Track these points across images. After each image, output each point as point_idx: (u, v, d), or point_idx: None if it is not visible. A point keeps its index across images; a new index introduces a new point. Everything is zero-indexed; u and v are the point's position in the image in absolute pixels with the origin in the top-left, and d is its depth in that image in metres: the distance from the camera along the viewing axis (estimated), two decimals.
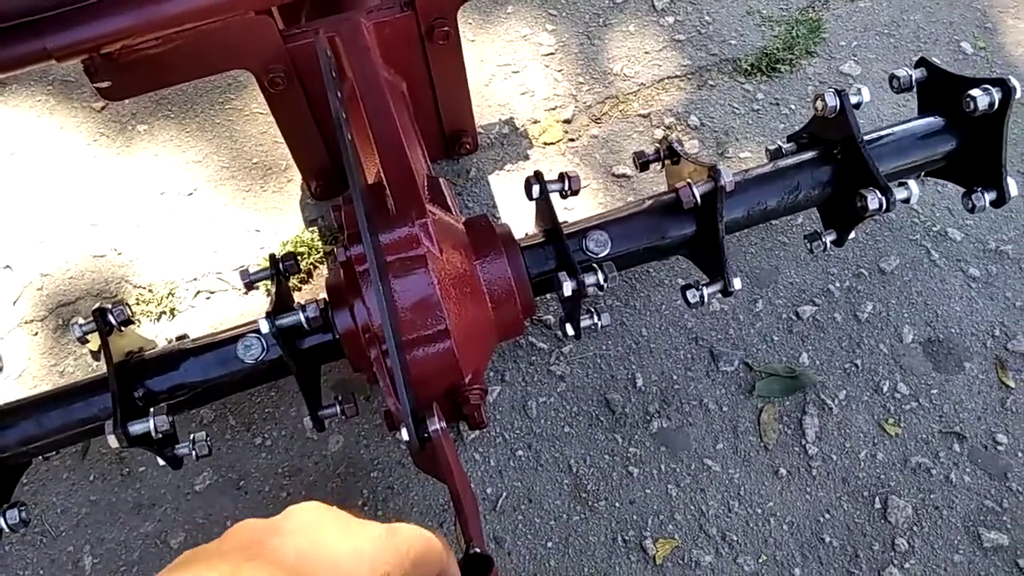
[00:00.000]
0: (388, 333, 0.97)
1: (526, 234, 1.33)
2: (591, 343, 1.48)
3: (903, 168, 1.34)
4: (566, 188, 1.26)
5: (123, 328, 1.19)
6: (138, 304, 1.55)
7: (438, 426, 0.97)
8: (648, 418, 1.41)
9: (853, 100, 1.28)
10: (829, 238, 1.33)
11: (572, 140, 1.73)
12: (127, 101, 1.81)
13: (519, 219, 1.58)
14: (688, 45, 1.85)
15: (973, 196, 1.31)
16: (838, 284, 1.52)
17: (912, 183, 1.26)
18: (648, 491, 1.35)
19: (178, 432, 1.17)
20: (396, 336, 0.97)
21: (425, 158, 1.42)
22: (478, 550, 0.94)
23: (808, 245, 1.34)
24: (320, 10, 1.41)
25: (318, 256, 1.59)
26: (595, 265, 1.18)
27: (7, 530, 1.12)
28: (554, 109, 1.77)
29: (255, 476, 1.39)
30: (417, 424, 0.98)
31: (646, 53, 1.84)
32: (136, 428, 1.09)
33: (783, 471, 1.35)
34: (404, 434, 0.98)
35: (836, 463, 1.36)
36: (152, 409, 1.11)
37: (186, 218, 1.66)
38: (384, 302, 0.97)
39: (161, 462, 1.15)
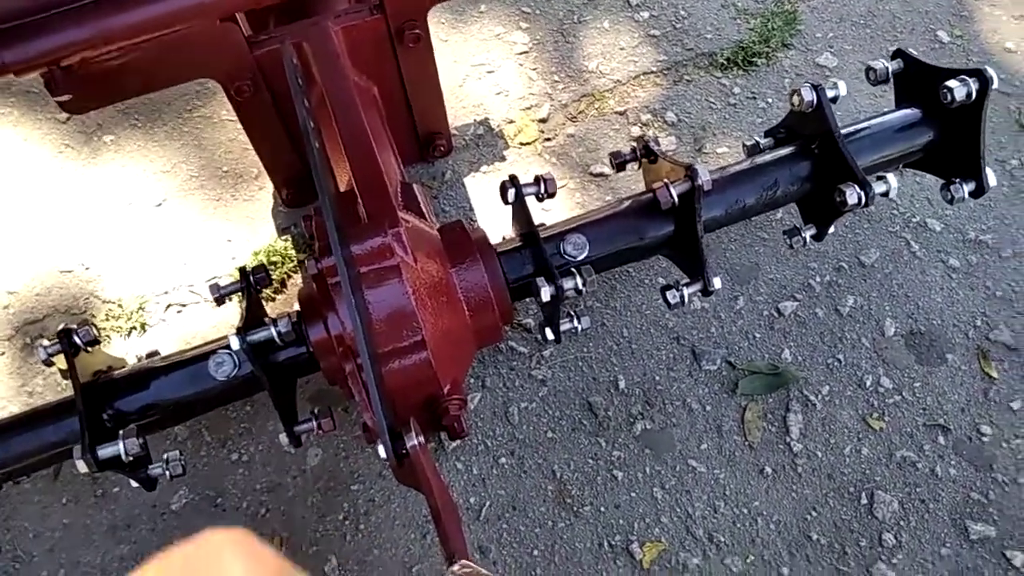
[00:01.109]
0: (362, 347, 0.94)
1: (503, 238, 1.31)
2: (572, 346, 1.46)
3: (881, 161, 1.33)
4: (542, 191, 1.24)
5: (89, 348, 1.15)
6: (107, 320, 1.52)
7: (415, 441, 0.95)
8: (631, 420, 1.39)
9: (830, 94, 1.27)
10: (808, 233, 1.31)
11: (548, 140, 1.70)
12: (92, 113, 1.76)
13: (497, 221, 1.55)
14: (663, 40, 1.83)
15: (952, 187, 1.30)
16: (819, 279, 1.51)
17: (890, 176, 1.25)
18: (633, 495, 1.33)
19: (151, 451, 1.14)
20: (371, 350, 0.94)
21: (398, 163, 1.39)
22: (461, 564, 0.92)
23: (788, 240, 1.32)
24: (288, 15, 1.38)
25: (291, 265, 1.56)
26: (573, 269, 1.16)
27: None
28: (529, 108, 1.74)
29: (233, 493, 1.36)
30: (394, 440, 0.96)
31: (621, 49, 1.82)
32: (106, 452, 1.06)
33: (768, 469, 1.34)
34: (381, 451, 0.96)
35: (821, 460, 1.35)
36: (121, 432, 1.08)
37: (155, 229, 1.62)
38: (357, 315, 0.94)
39: (135, 484, 1.12)
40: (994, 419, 1.37)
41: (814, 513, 1.31)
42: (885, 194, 1.24)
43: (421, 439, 0.96)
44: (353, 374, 1.06)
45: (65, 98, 1.21)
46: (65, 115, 1.77)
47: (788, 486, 1.33)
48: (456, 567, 0.84)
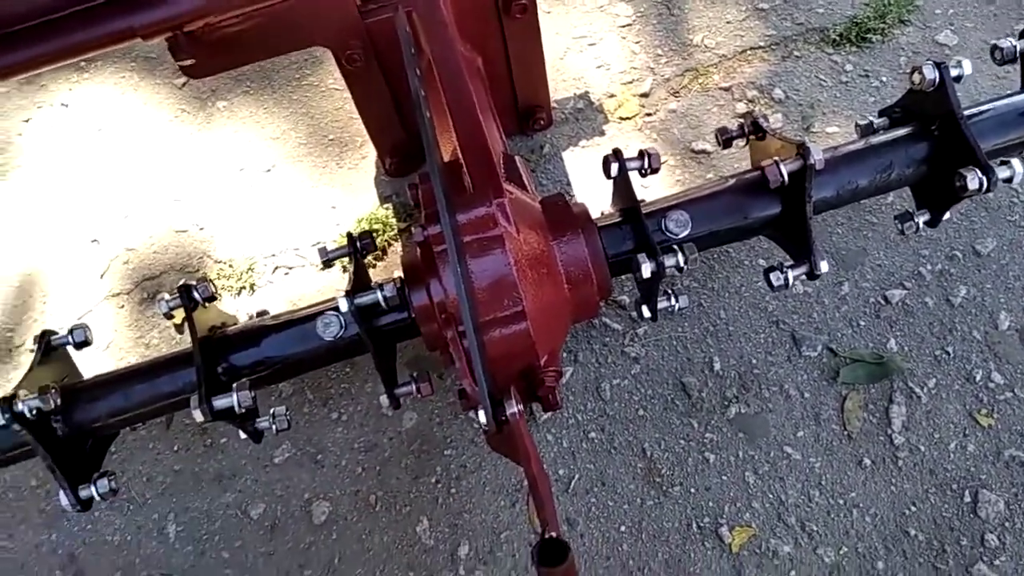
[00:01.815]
0: (465, 315, 0.96)
1: (602, 213, 1.30)
2: (667, 325, 1.45)
3: (1005, 145, 1.26)
4: (645, 166, 1.23)
5: (207, 304, 1.21)
6: (219, 279, 1.59)
7: (515, 409, 0.96)
8: (726, 403, 1.37)
9: (953, 73, 1.21)
10: (922, 219, 1.26)
11: (649, 115, 1.68)
12: (207, 79, 1.84)
13: (594, 197, 1.55)
14: (772, 14, 1.77)
15: None
16: (930, 267, 1.45)
17: (1015, 161, 1.18)
18: (725, 478, 1.32)
19: (259, 407, 1.19)
20: (474, 318, 0.96)
21: (501, 135, 1.40)
22: (554, 534, 0.93)
23: (899, 226, 1.27)
24: None
25: (392, 233, 1.59)
26: (675, 246, 1.15)
27: (98, 498, 1.17)
28: (631, 83, 1.72)
29: (332, 450, 1.41)
30: (495, 407, 0.98)
31: (727, 23, 1.77)
32: (220, 403, 1.11)
33: (867, 461, 1.31)
34: (481, 417, 0.97)
35: (924, 454, 1.30)
36: (235, 384, 1.13)
37: (265, 194, 1.68)
38: (462, 283, 0.96)
39: (243, 435, 1.18)
40: None
41: (913, 508, 1.27)
42: (1009, 180, 1.17)
43: (520, 407, 0.97)
44: (454, 340, 1.08)
45: (188, 62, 1.26)
46: (182, 80, 1.85)
47: (887, 479, 1.29)
48: None
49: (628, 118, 1.68)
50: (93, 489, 1.17)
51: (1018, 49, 1.26)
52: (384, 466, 1.39)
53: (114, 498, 1.33)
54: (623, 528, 1.30)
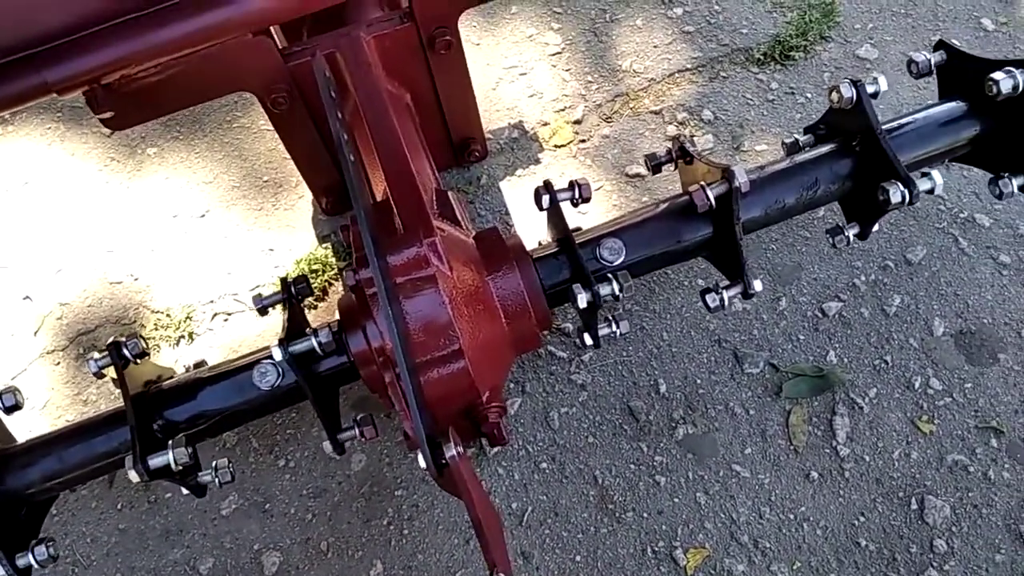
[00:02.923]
0: (399, 358, 0.95)
1: (539, 243, 1.31)
2: (611, 350, 1.45)
3: (926, 156, 1.30)
4: (576, 196, 1.23)
5: (139, 360, 1.18)
6: (157, 329, 1.56)
7: (454, 452, 0.95)
8: (673, 425, 1.38)
9: (870, 90, 1.24)
10: (852, 232, 1.28)
11: (583, 141, 1.70)
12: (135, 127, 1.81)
13: (534, 225, 1.55)
14: (698, 36, 1.80)
15: (1000, 182, 1.26)
16: (864, 278, 1.48)
17: (935, 172, 1.21)
18: (676, 500, 1.32)
19: (200, 459, 1.16)
20: (408, 361, 0.95)
21: (433, 171, 1.40)
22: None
23: (831, 239, 1.29)
24: (321, 25, 1.40)
25: (332, 273, 1.58)
26: (610, 274, 1.15)
27: (36, 566, 1.13)
28: (563, 110, 1.74)
29: (280, 498, 1.38)
30: (433, 450, 0.97)
31: (655, 47, 1.80)
32: (156, 461, 1.08)
33: (814, 474, 1.32)
34: (421, 461, 0.96)
35: (869, 464, 1.32)
36: (171, 442, 1.10)
37: (200, 240, 1.66)
38: (395, 326, 0.95)
39: (185, 491, 1.15)
40: None
41: (862, 519, 1.29)
42: (930, 191, 1.20)
43: (460, 449, 0.96)
44: (393, 384, 1.07)
45: (108, 115, 1.24)
46: (108, 129, 1.82)
47: (835, 491, 1.31)
48: None
49: (562, 145, 1.69)
50: (31, 557, 1.12)
51: (932, 62, 1.30)
52: (334, 511, 1.36)
53: (55, 564, 1.29)
54: (579, 558, 1.29)
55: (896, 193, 1.17)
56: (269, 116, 1.38)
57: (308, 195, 1.67)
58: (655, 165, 1.31)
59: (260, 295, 1.24)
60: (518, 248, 1.22)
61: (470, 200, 1.63)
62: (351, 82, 1.30)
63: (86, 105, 1.71)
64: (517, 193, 1.64)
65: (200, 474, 1.18)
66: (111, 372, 1.42)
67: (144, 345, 1.18)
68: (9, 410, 1.21)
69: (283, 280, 1.23)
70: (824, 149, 1.29)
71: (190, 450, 1.11)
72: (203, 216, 1.68)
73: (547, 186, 1.22)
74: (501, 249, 1.20)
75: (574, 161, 1.66)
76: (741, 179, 1.15)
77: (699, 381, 1.41)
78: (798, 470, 1.33)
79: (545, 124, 1.72)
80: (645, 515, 1.31)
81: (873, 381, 1.38)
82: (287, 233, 1.64)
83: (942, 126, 1.30)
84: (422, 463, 0.95)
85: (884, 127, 1.23)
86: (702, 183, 1.19)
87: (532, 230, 1.36)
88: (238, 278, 1.60)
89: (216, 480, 1.18)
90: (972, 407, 1.35)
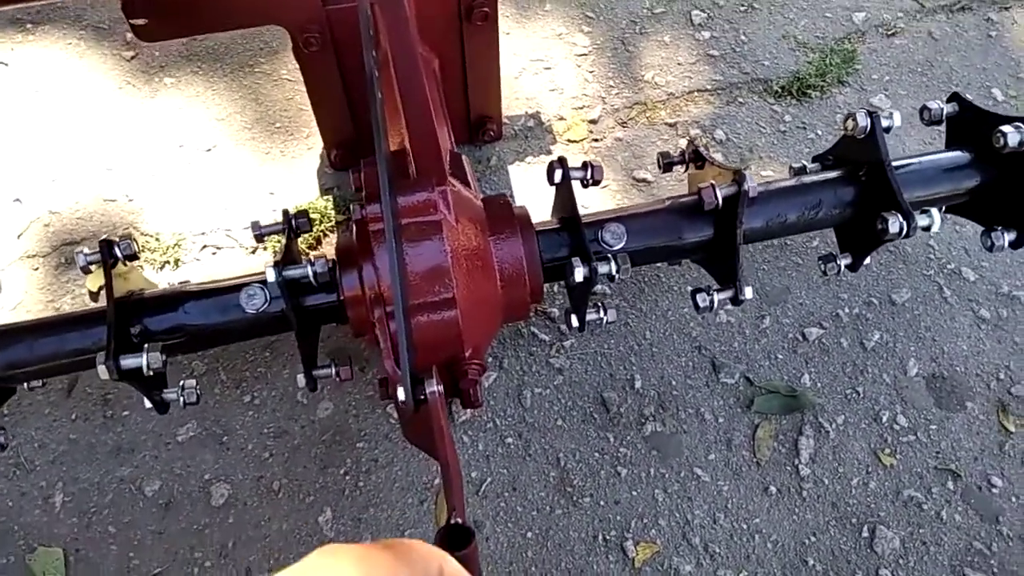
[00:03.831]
0: (396, 291, 0.95)
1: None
2: (593, 340, 1.47)
3: (926, 198, 1.33)
4: (588, 177, 1.25)
5: (128, 262, 1.17)
6: (144, 251, 1.54)
7: (436, 388, 0.96)
8: (643, 420, 1.39)
9: (884, 123, 1.28)
10: (844, 261, 1.31)
11: (596, 140, 1.72)
12: (157, 52, 1.81)
13: (535, 212, 1.56)
14: (721, 61, 1.85)
15: (993, 235, 1.30)
16: (847, 310, 1.51)
17: (934, 211, 1.24)
18: (635, 493, 1.33)
19: (168, 381, 1.15)
20: (403, 292, 0.96)
21: (450, 136, 1.41)
22: (459, 521, 0.92)
23: (822, 267, 1.32)
24: None
25: (329, 224, 1.58)
26: (609, 255, 1.17)
27: None
28: (581, 108, 1.76)
29: (239, 433, 1.37)
30: (415, 385, 0.97)
31: (679, 64, 1.84)
32: (128, 362, 1.07)
33: (773, 489, 1.33)
34: (400, 394, 0.96)
35: (827, 487, 1.34)
36: (147, 345, 1.09)
37: (202, 173, 1.65)
38: (396, 260, 0.96)
39: (148, 404, 1.14)
40: (1006, 472, 1.35)
41: (813, 538, 1.30)
42: (927, 228, 1.23)
43: (441, 388, 0.97)
44: (381, 320, 1.07)
45: (141, 22, 1.24)
46: (130, 53, 1.82)
47: (791, 508, 1.32)
48: None
49: (576, 141, 1.72)
50: None
51: (944, 111, 1.34)
52: (292, 453, 1.35)
53: (2, 454, 1.26)
54: (530, 535, 1.29)
55: (895, 224, 1.20)
56: (297, 57, 1.39)
57: (317, 147, 1.68)
58: (667, 164, 1.34)
59: (258, 223, 1.24)
60: (524, 217, 1.23)
61: (478, 178, 1.65)
62: (386, 33, 1.32)
63: (113, 24, 1.72)
64: (524, 178, 1.65)
65: (166, 390, 1.17)
66: (91, 283, 1.42)
67: (136, 248, 1.18)
68: None
69: (284, 212, 1.23)
70: (831, 174, 1.33)
71: (164, 357, 1.10)
72: (209, 151, 1.68)
73: (561, 161, 1.24)
74: (507, 214, 1.21)
75: (585, 157, 1.68)
76: (751, 183, 1.18)
77: (674, 383, 1.42)
78: (758, 482, 1.34)
79: (561, 119, 1.75)
80: (602, 503, 1.31)
81: (842, 409, 1.40)
82: (291, 180, 1.64)
83: (946, 171, 1.34)
84: (401, 396, 0.95)
85: (892, 162, 1.26)
86: (712, 182, 1.21)
87: (533, 217, 1.37)
88: (234, 215, 1.59)
89: (181, 399, 1.16)
90: (934, 448, 1.37)
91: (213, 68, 1.80)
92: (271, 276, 1.10)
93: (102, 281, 1.29)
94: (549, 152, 1.69)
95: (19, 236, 1.58)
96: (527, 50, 1.85)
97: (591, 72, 1.82)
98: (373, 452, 1.35)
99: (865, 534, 1.30)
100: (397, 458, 1.34)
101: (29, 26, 1.87)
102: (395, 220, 1.03)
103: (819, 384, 1.43)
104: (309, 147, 1.69)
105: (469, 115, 1.63)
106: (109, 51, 1.84)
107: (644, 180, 1.65)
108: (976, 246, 1.55)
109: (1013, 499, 1.33)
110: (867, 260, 1.33)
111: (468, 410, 1.38)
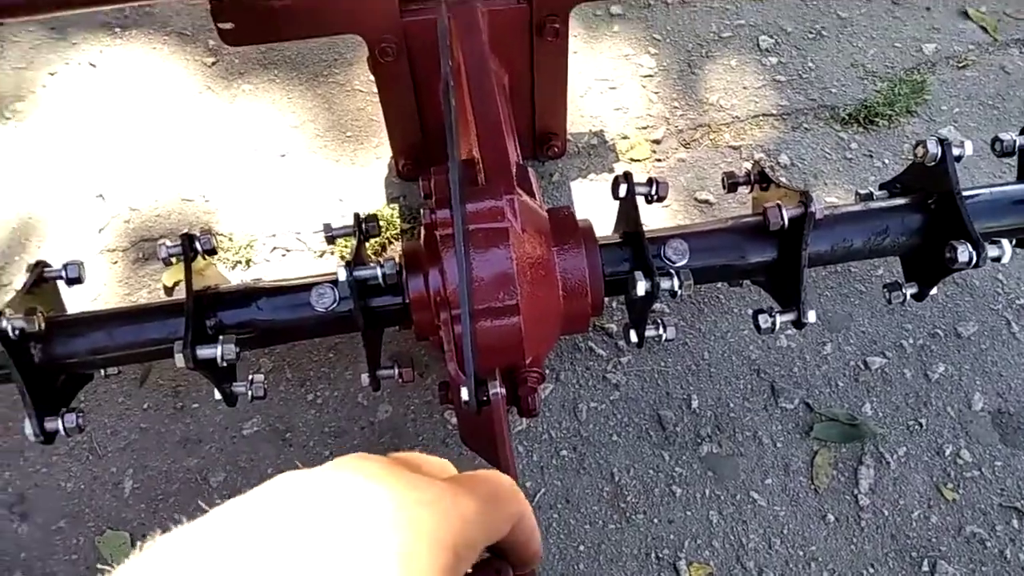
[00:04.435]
0: (463, 294, 0.98)
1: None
2: (650, 357, 1.47)
3: (996, 230, 1.31)
4: (652, 193, 1.26)
5: (207, 256, 1.22)
6: (218, 251, 1.59)
7: (498, 390, 0.98)
8: (699, 441, 1.38)
9: (955, 152, 1.26)
10: (910, 291, 1.29)
11: (659, 160, 1.73)
12: (237, 60, 1.88)
13: (598, 228, 1.58)
14: (788, 87, 1.85)
15: None
16: (912, 340, 1.48)
17: (1005, 242, 1.22)
18: (689, 513, 1.32)
19: (237, 374, 1.19)
20: (469, 296, 0.98)
21: (517, 148, 1.44)
22: None
23: (887, 295, 1.30)
24: None
25: (395, 232, 1.61)
26: (672, 271, 1.17)
27: (63, 432, 1.15)
28: (645, 128, 1.78)
29: (302, 430, 1.40)
30: (478, 387, 0.99)
31: (744, 88, 1.84)
32: (204, 352, 1.11)
33: (831, 517, 1.31)
34: (464, 394, 0.98)
35: (887, 518, 1.31)
36: (222, 336, 1.13)
37: (275, 177, 1.71)
38: (464, 264, 0.98)
39: (217, 396, 1.17)
40: None
41: (872, 570, 1.27)
42: (997, 259, 1.21)
43: (503, 390, 0.98)
44: (446, 323, 1.10)
45: (228, 26, 1.29)
46: (212, 59, 1.89)
47: (849, 537, 1.30)
48: None
49: (639, 160, 1.73)
50: (60, 423, 1.15)
51: (1017, 144, 1.32)
52: (351, 453, 1.37)
53: (78, 437, 1.32)
54: (582, 548, 1.29)
55: (964, 252, 1.18)
56: (372, 66, 1.44)
57: (386, 157, 1.72)
58: (732, 184, 1.34)
59: (330, 225, 1.27)
60: (588, 229, 1.25)
61: (542, 191, 1.67)
62: (460, 45, 1.36)
63: (196, 32, 1.80)
64: (586, 195, 1.67)
65: (235, 383, 1.21)
66: (168, 279, 1.47)
67: (215, 243, 1.22)
68: (71, 282, 1.24)
69: (356, 215, 1.27)
70: (899, 201, 1.32)
71: (238, 349, 1.14)
72: (283, 156, 1.74)
73: (627, 176, 1.25)
74: (571, 226, 1.23)
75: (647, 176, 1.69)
76: (818, 205, 1.17)
77: (732, 404, 1.42)
78: (815, 510, 1.32)
79: (625, 138, 1.76)
80: (655, 520, 1.31)
81: (904, 440, 1.38)
82: (359, 187, 1.69)
83: (1016, 203, 1.31)
84: (465, 396, 0.97)
85: (962, 192, 1.25)
86: (778, 202, 1.21)
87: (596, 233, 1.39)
88: (304, 219, 1.64)
89: (249, 393, 1.20)
90: (999, 485, 1.34)
91: (289, 76, 1.86)
92: (342, 275, 1.13)
93: (177, 276, 1.35)
94: (611, 170, 1.71)
95: (100, 231, 1.65)
96: (593, 70, 1.88)
97: (656, 93, 1.84)
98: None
99: (925, 568, 1.27)
100: (453, 463, 1.36)
101: (117, 30, 1.96)
102: (464, 225, 1.05)
103: (881, 414, 1.41)
104: (378, 156, 1.74)
105: (535, 130, 1.65)
106: (192, 57, 1.91)
107: (706, 201, 1.66)
108: None
109: None
110: (933, 290, 1.31)
111: (524, 420, 1.39)
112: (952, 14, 2.00)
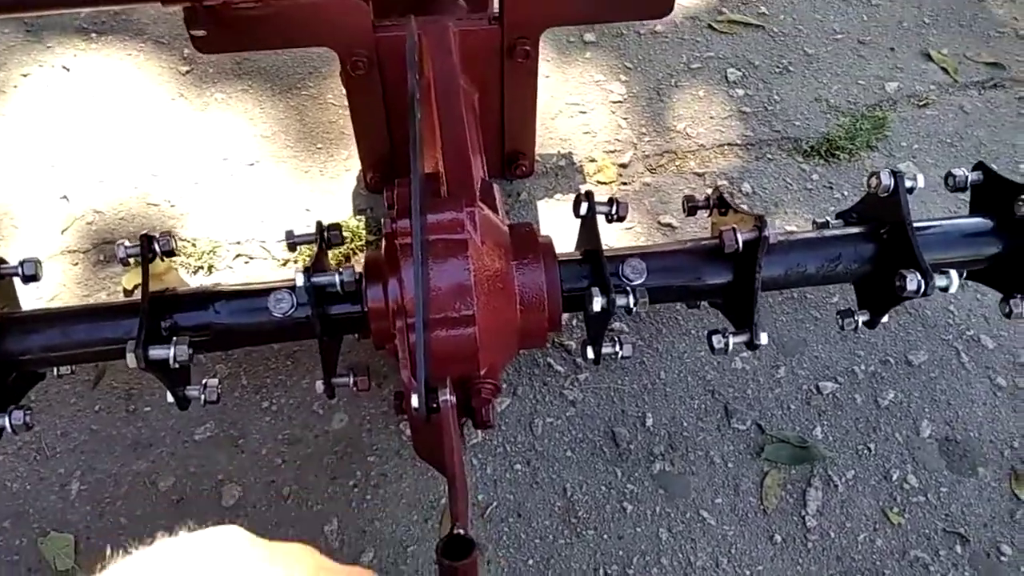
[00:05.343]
0: (418, 302, 0.99)
1: None
2: (607, 375, 1.48)
3: (946, 261, 1.34)
4: (613, 212, 1.28)
5: (165, 258, 1.22)
6: (179, 255, 1.59)
7: (448, 398, 0.98)
8: (651, 458, 1.39)
9: (908, 184, 1.30)
10: (862, 318, 1.32)
11: (625, 184, 1.76)
12: (211, 69, 1.89)
13: (559, 247, 1.60)
14: (753, 118, 1.89)
15: (1012, 302, 1.30)
16: (863, 367, 1.51)
17: (953, 272, 1.25)
18: (639, 530, 1.33)
19: (191, 378, 1.19)
20: (425, 301, 0.99)
21: (483, 165, 1.46)
22: (462, 532, 0.93)
23: (840, 321, 1.33)
24: (411, 11, 1.48)
25: (360, 243, 1.62)
26: (628, 288, 1.19)
27: (9, 429, 1.14)
28: (613, 152, 1.81)
29: (255, 437, 1.39)
30: (428, 394, 0.99)
31: (711, 118, 1.88)
32: (156, 353, 1.11)
33: (778, 537, 1.33)
34: (414, 401, 0.99)
35: (833, 540, 1.33)
36: (175, 338, 1.13)
37: (243, 186, 1.71)
38: (420, 273, 0.99)
39: (170, 399, 1.17)
40: (1016, 541, 1.34)
41: None
42: (945, 288, 1.24)
43: (453, 399, 0.99)
44: (402, 331, 1.11)
45: (200, 33, 1.31)
46: (186, 68, 1.90)
47: (795, 558, 1.31)
48: None
49: (605, 183, 1.76)
50: (7, 420, 1.14)
51: (969, 179, 1.36)
52: (305, 461, 1.37)
53: (26, 437, 1.30)
54: (531, 562, 1.29)
55: (913, 281, 1.21)
56: (344, 79, 1.46)
57: (355, 170, 1.73)
58: (692, 207, 1.37)
59: (291, 232, 1.28)
60: (547, 246, 1.26)
61: (506, 210, 1.69)
62: (430, 62, 1.38)
63: (172, 40, 1.81)
64: (553, 214, 1.69)
65: (189, 387, 1.20)
66: (127, 282, 1.47)
67: (174, 245, 1.22)
68: (27, 279, 1.23)
69: (318, 223, 1.27)
70: (852, 229, 1.35)
71: (190, 351, 1.14)
72: (252, 165, 1.74)
73: (588, 195, 1.27)
74: (532, 242, 1.24)
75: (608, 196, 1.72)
76: (772, 230, 1.20)
77: (686, 424, 1.43)
78: (763, 530, 1.33)
79: (592, 160, 1.79)
80: (605, 536, 1.32)
81: (853, 464, 1.40)
82: (327, 198, 1.70)
83: (967, 236, 1.35)
84: (414, 403, 0.98)
85: (913, 224, 1.28)
86: (733, 226, 1.24)
87: (559, 249, 1.41)
88: (269, 227, 1.65)
89: (202, 397, 1.19)
90: (944, 511, 1.36)
91: (262, 87, 1.87)
92: (300, 281, 1.13)
93: (137, 279, 1.34)
94: (578, 191, 1.73)
95: (63, 232, 1.64)
96: (564, 94, 1.91)
97: (625, 119, 1.87)
98: (383, 467, 1.37)
99: None
100: (406, 474, 1.36)
101: (93, 35, 1.96)
102: (423, 235, 1.07)
103: (831, 438, 1.43)
104: (347, 169, 1.75)
105: (504, 150, 1.68)
106: (166, 64, 1.92)
107: (669, 225, 1.69)
108: (996, 314, 1.56)
109: (1021, 568, 1.31)
110: (885, 318, 1.33)
111: (479, 432, 1.40)
112: (915, 55, 2.07)
